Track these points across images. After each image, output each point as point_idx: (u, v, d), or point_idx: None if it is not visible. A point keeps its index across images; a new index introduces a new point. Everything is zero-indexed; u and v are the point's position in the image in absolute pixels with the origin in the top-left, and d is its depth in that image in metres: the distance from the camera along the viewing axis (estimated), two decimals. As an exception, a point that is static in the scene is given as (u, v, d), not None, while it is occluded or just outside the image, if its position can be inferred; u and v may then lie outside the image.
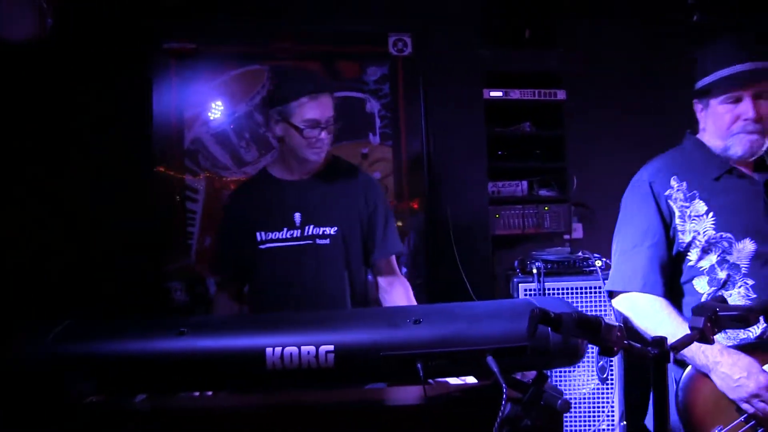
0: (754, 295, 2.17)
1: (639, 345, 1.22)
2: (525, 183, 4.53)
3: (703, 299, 2.21)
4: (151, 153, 3.78)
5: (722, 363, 2.03)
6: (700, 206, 2.23)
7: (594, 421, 3.74)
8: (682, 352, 2.02)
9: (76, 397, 1.52)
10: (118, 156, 3.71)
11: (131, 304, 3.53)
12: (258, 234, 2.55)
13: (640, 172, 2.40)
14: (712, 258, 2.20)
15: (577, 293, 3.78)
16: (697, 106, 2.37)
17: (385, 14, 4.08)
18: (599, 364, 3.70)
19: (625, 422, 3.71)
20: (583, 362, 3.72)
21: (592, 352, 3.64)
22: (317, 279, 2.54)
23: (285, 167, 2.64)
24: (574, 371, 3.72)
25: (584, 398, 3.74)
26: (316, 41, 3.99)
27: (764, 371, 2.00)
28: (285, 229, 2.55)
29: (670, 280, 2.25)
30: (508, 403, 1.39)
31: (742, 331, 2.15)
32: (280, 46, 3.93)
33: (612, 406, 3.73)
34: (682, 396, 2.11)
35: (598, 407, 3.74)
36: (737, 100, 2.22)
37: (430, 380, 1.77)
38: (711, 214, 2.21)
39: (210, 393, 1.81)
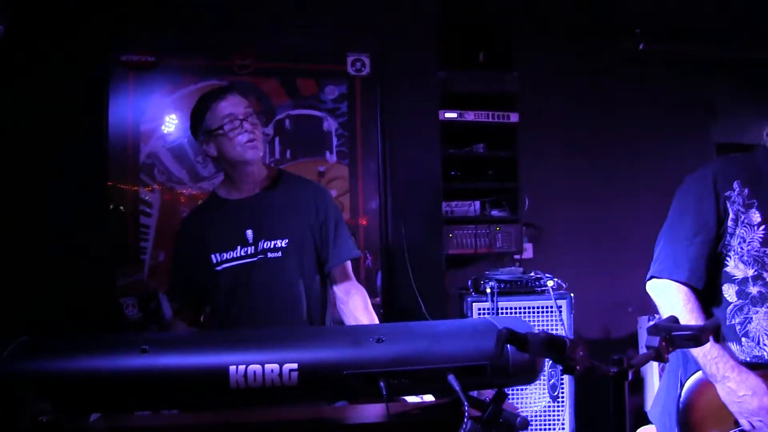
0: None
1: (600, 364, 1.26)
2: (478, 203, 4.60)
3: (729, 309, 2.24)
4: (106, 166, 3.73)
5: (731, 378, 2.09)
6: (755, 216, 2.22)
7: (545, 438, 3.80)
8: (695, 356, 2.13)
9: (31, 416, 1.49)
10: (72, 168, 3.65)
11: (83, 320, 3.47)
12: (213, 256, 2.54)
13: (705, 167, 2.34)
14: (748, 271, 2.21)
15: (529, 312, 3.84)
16: None
17: (344, 34, 4.12)
18: (551, 382, 3.77)
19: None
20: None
21: (544, 371, 3.71)
22: (271, 293, 2.53)
23: (232, 187, 2.63)
24: (526, 389, 3.78)
25: (536, 415, 3.79)
26: (276, 58, 4.00)
27: None
28: (238, 248, 2.54)
29: (711, 277, 2.26)
30: (468, 421, 1.41)
31: (757, 347, 2.20)
32: (240, 62, 3.93)
33: (563, 424, 3.79)
34: (685, 397, 2.16)
35: (550, 424, 3.80)
36: None
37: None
38: (763, 228, 2.20)
39: (165, 411, 1.79)
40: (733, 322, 2.23)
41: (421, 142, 4.31)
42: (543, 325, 3.82)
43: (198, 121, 2.55)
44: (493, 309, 3.79)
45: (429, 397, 1.85)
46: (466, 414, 1.40)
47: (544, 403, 3.80)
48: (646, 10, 4.80)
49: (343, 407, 1.79)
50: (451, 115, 4.52)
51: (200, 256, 2.56)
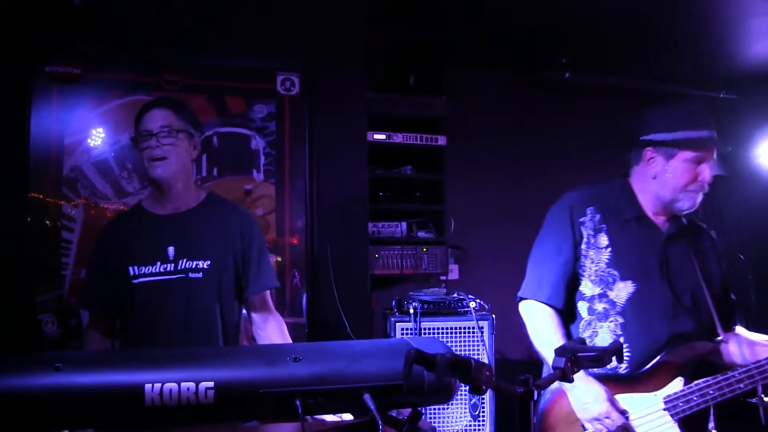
0: (620, 332, 2.39)
1: (506, 384, 1.31)
2: (404, 224, 4.66)
3: (581, 325, 2.45)
4: (27, 178, 3.63)
5: (578, 386, 2.28)
6: (603, 240, 2.43)
7: (465, 456, 3.86)
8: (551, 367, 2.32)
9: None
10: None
11: (-2, 337, 3.37)
12: (130, 268, 2.52)
13: (567, 195, 2.57)
14: (596, 289, 2.41)
15: (451, 333, 3.90)
16: (649, 153, 2.46)
17: (274, 53, 4.13)
18: (472, 402, 3.83)
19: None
20: (457, 400, 3.84)
21: (466, 391, 3.77)
22: (188, 313, 2.52)
23: (158, 202, 2.62)
24: (447, 408, 3.82)
25: (456, 434, 3.85)
26: (205, 75, 3.98)
27: (609, 401, 2.25)
28: (158, 263, 2.52)
29: (570, 296, 2.47)
30: (383, 440, 1.44)
31: None
32: (168, 77, 3.89)
33: (482, 442, 3.86)
34: (543, 404, 2.37)
35: (470, 443, 3.87)
36: (699, 162, 2.39)
37: (309, 417, 1.81)
38: (609, 250, 2.42)
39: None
40: (583, 335, 2.44)
41: (349, 162, 4.35)
42: (465, 346, 3.89)
43: (135, 126, 2.58)
44: (415, 329, 3.84)
45: (348, 416, 1.87)
46: (380, 433, 1.43)
47: (465, 422, 3.85)
48: (572, 41, 4.97)
49: (258, 426, 1.80)
50: (379, 136, 4.58)
51: (117, 265, 2.53)
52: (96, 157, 3.75)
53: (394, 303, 4.06)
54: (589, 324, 2.43)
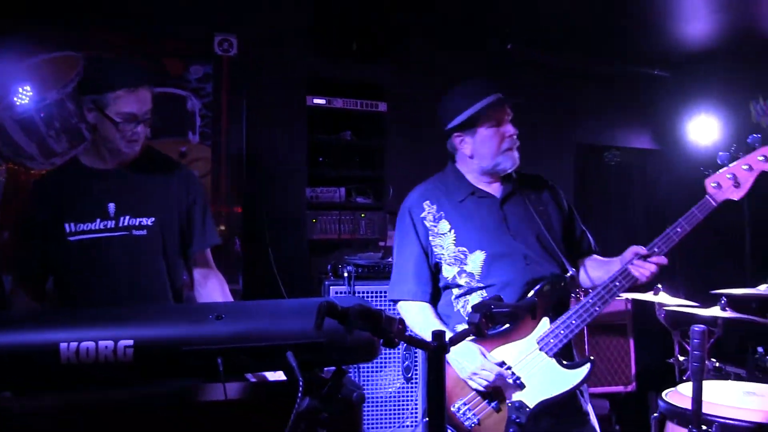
0: (486, 295, 2.51)
1: (419, 338, 1.33)
2: (343, 190, 4.66)
3: (453, 299, 2.58)
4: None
5: (452, 350, 2.36)
6: (445, 225, 2.58)
7: (399, 418, 3.92)
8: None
9: None
10: None
11: None
12: (67, 225, 2.42)
13: (406, 198, 2.72)
14: (454, 269, 2.55)
15: (385, 297, 3.93)
16: (457, 139, 2.61)
17: (212, 13, 4.04)
18: (405, 364, 3.88)
19: (427, 419, 3.90)
20: (390, 363, 3.89)
21: (398, 353, 3.82)
22: (133, 271, 2.47)
23: (97, 156, 2.51)
24: (381, 371, 3.88)
25: (390, 396, 3.90)
26: (139, 34, 3.85)
27: (482, 354, 2.39)
28: (98, 220, 2.44)
29: (433, 287, 2.61)
30: (305, 398, 1.45)
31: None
32: (101, 36, 3.74)
33: (416, 404, 3.92)
34: None
35: (403, 405, 3.92)
36: (499, 123, 2.55)
37: (250, 376, 1.81)
38: (453, 232, 2.57)
39: None
40: (458, 308, 2.57)
41: (288, 126, 4.31)
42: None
43: (95, 89, 2.39)
44: (349, 292, 3.86)
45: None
46: (301, 390, 1.43)
47: (398, 384, 3.91)
48: (516, 16, 4.98)
49: (185, 386, 1.78)
50: (319, 101, 4.55)
51: (51, 222, 2.43)
52: (20, 114, 3.58)
53: (329, 267, 4.06)
54: (458, 298, 2.57)
